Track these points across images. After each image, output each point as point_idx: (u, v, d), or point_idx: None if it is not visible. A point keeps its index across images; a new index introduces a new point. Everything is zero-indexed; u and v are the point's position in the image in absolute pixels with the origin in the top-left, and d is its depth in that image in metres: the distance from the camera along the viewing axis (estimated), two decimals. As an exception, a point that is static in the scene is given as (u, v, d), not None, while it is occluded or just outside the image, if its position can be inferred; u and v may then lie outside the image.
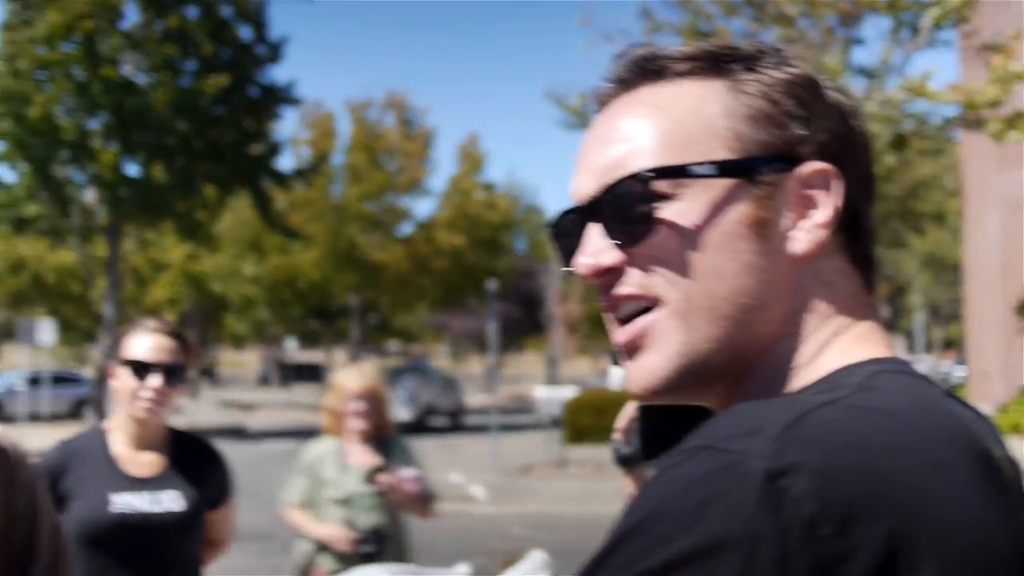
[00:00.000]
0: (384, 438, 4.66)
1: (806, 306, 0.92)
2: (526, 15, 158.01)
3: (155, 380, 3.06)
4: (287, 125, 68.41)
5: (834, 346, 0.91)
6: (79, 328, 46.31)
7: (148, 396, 3.06)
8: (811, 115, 0.93)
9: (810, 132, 0.92)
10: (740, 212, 0.90)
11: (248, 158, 28.90)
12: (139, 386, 3.06)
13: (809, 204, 0.92)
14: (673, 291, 0.91)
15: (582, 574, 0.75)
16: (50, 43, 25.60)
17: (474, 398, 46.23)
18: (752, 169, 0.91)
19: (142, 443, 3.14)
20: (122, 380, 3.10)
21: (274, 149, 30.36)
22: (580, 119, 18.29)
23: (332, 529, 4.44)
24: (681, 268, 0.90)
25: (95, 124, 26.70)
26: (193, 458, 3.21)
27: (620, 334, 0.95)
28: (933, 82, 13.66)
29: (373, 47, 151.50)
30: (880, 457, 0.75)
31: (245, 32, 29.01)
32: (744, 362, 0.92)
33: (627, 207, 0.92)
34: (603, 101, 1.01)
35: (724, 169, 0.91)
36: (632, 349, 0.94)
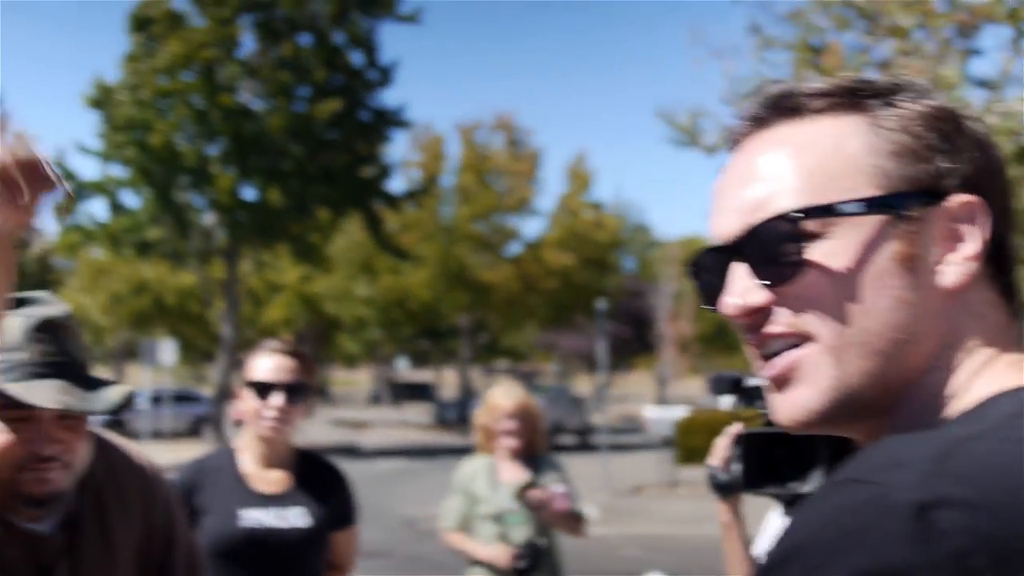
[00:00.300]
0: (535, 456, 4.68)
1: (956, 338, 0.91)
2: (634, 34, 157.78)
3: (277, 399, 3.13)
4: (398, 148, 69.50)
5: (984, 376, 0.90)
6: (198, 348, 47.62)
7: (271, 415, 3.13)
8: (953, 147, 0.92)
9: (954, 165, 0.92)
10: (889, 248, 0.90)
11: (360, 181, 29.42)
12: (262, 406, 3.13)
13: (957, 237, 0.92)
14: (825, 328, 0.91)
15: None
16: (171, 73, 26.49)
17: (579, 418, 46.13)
18: (899, 205, 0.91)
19: (269, 461, 3.22)
20: (247, 401, 3.17)
21: (385, 172, 30.85)
22: (689, 137, 18.14)
23: (493, 550, 4.46)
24: (833, 306, 0.91)
25: (214, 150, 27.53)
26: (319, 478, 3.27)
27: (768, 368, 0.95)
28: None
29: (481, 69, 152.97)
30: None
31: (357, 58, 29.59)
32: (895, 395, 0.92)
33: (775, 247, 0.92)
34: (738, 139, 1.01)
35: (872, 206, 0.91)
36: (782, 382, 0.94)
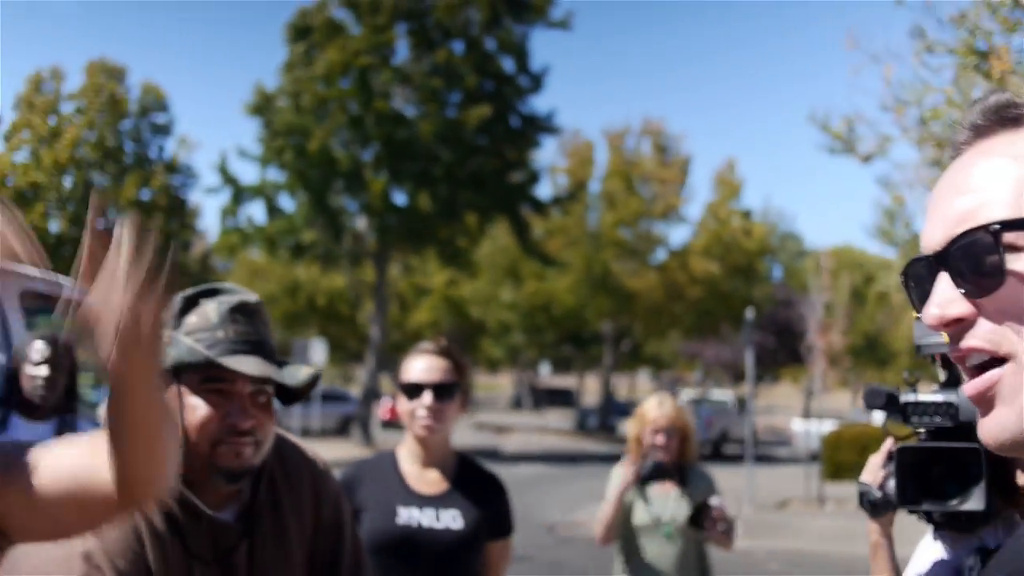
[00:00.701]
0: (686, 467, 4.65)
1: None
2: (788, 37, 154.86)
3: (427, 399, 3.16)
4: (546, 154, 69.92)
5: None
6: (347, 348, 48.76)
7: (423, 415, 3.17)
8: None
9: None
10: None
11: (508, 186, 29.69)
12: (415, 406, 3.18)
13: None
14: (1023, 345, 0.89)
15: None
16: (328, 80, 27.23)
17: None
18: None
19: (427, 462, 3.25)
20: (401, 403, 3.24)
21: (533, 177, 31.06)
22: (844, 144, 17.70)
23: (621, 477, 4.55)
24: None
25: (367, 155, 28.19)
26: (477, 484, 3.28)
27: (969, 385, 0.93)
28: None
29: (631, 75, 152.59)
30: None
31: (507, 64, 29.90)
32: None
33: (976, 258, 0.91)
34: (958, 148, 1.00)
35: None
36: (982, 401, 0.93)
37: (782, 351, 47.13)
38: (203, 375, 1.94)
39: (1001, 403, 0.90)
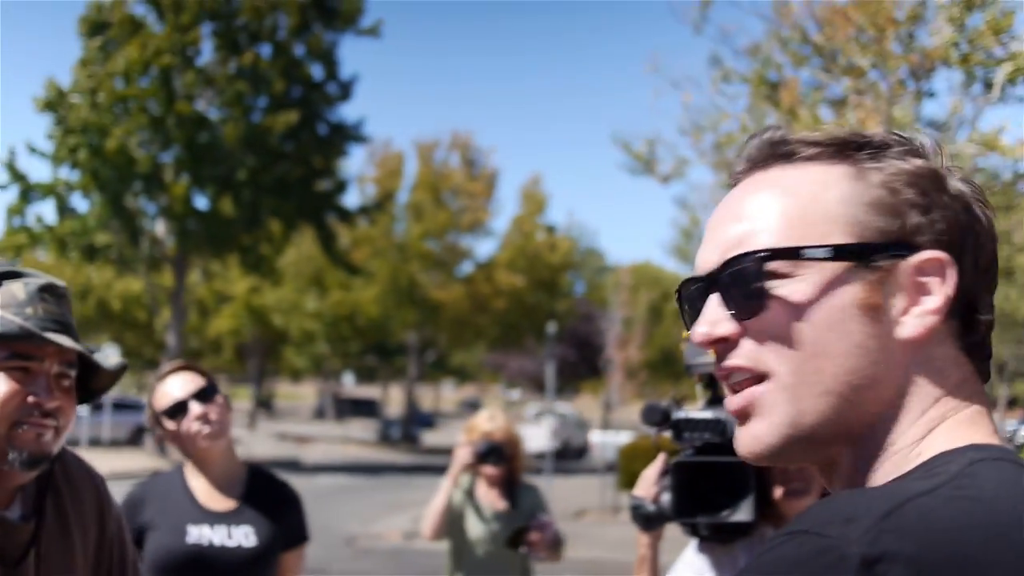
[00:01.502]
0: (515, 482, 4.70)
1: (914, 389, 0.94)
2: (595, 61, 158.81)
3: (196, 408, 3.07)
4: (355, 163, 69.06)
5: (938, 431, 0.93)
6: (142, 356, 46.97)
7: (199, 425, 3.07)
8: (931, 204, 0.96)
9: (928, 221, 0.95)
10: (852, 295, 0.94)
11: (314, 194, 29.31)
12: (187, 423, 3.07)
13: (922, 291, 0.95)
14: (782, 365, 0.95)
15: None
16: (128, 78, 26.24)
17: (528, 442, 46.07)
18: (866, 254, 0.94)
19: (217, 477, 3.17)
20: (171, 430, 3.12)
21: (340, 186, 30.79)
22: (644, 164, 18.32)
23: (456, 456, 4.58)
24: (791, 344, 0.94)
25: (168, 157, 27.29)
26: (270, 497, 3.22)
27: (730, 401, 0.99)
28: (1006, 136, 13.50)
29: (440, 88, 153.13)
30: (974, 547, 0.76)
31: (316, 71, 29.54)
32: (851, 435, 0.95)
33: (744, 282, 0.96)
34: (735, 178, 1.06)
35: (838, 253, 0.94)
36: (741, 416, 0.99)
37: (582, 364, 48.23)
38: (7, 351, 1.86)
39: (757, 416, 0.96)
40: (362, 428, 52.51)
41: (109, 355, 2.05)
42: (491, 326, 42.45)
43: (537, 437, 35.26)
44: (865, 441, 0.95)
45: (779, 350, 0.95)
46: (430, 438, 47.43)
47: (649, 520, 2.41)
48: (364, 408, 63.87)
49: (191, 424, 3.07)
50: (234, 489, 3.18)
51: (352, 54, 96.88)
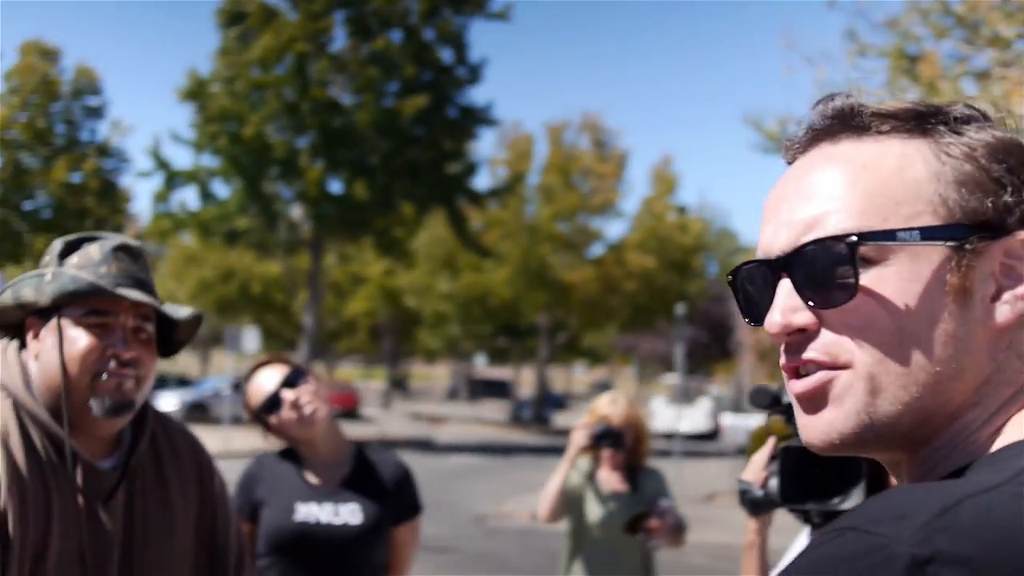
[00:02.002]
0: (637, 467, 4.67)
1: (1000, 378, 0.89)
2: (726, 37, 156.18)
3: (289, 395, 3.11)
4: (485, 146, 69.70)
5: (1015, 420, 0.87)
6: (281, 336, 48.40)
7: (297, 411, 3.11)
8: (1020, 181, 0.89)
9: (1018, 199, 0.89)
10: (943, 280, 0.87)
11: (445, 177, 29.65)
12: (286, 413, 3.12)
13: (1011, 273, 0.89)
14: (865, 355, 0.88)
15: None
16: (263, 66, 26.97)
17: (656, 422, 45.81)
18: (959, 236, 0.88)
19: (324, 458, 3.22)
20: (270, 421, 3.17)
21: (471, 169, 31.04)
22: (777, 144, 17.93)
23: (573, 438, 4.55)
24: (878, 335, 0.88)
25: (303, 143, 27.97)
26: (378, 472, 3.25)
27: (797, 385, 0.92)
28: None
29: (571, 69, 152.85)
30: None
31: (446, 54, 29.84)
32: (930, 427, 0.89)
33: (827, 269, 0.89)
34: (799, 149, 0.98)
35: (930, 235, 0.88)
36: (811, 401, 0.92)
37: (714, 345, 47.72)
38: (85, 308, 1.95)
39: (831, 404, 0.90)
40: (494, 409, 53.04)
41: (180, 308, 2.11)
42: (622, 307, 42.26)
43: (693, 418, 35.15)
44: (946, 432, 0.89)
45: (864, 340, 0.88)
46: (561, 419, 47.59)
47: (756, 505, 2.35)
48: (496, 389, 64.56)
49: (286, 414, 3.12)
50: (341, 467, 3.22)
51: (481, 37, 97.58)
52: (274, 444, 3.30)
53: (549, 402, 46.52)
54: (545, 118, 48.96)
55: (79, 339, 1.94)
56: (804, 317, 0.91)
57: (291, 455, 3.25)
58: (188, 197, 66.62)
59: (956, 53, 15.89)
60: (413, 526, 3.31)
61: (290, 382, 3.13)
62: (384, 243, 30.64)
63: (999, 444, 0.85)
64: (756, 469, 2.38)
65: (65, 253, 2.03)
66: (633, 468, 4.65)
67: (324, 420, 3.16)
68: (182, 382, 39.23)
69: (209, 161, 28.67)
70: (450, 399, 66.08)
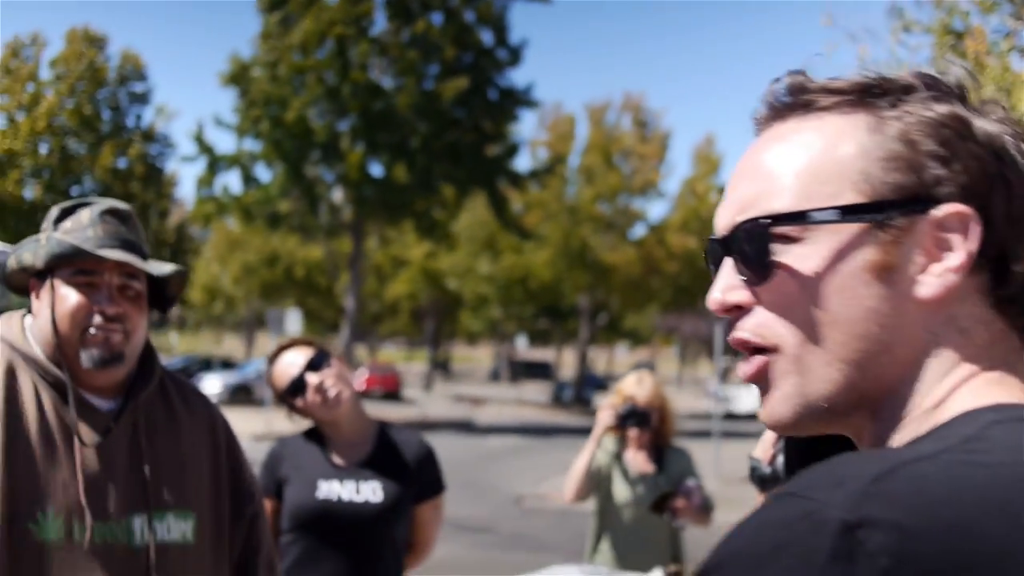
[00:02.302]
0: (664, 447, 4.68)
1: (936, 351, 0.89)
2: (767, 15, 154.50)
3: (314, 378, 3.18)
4: (526, 127, 69.61)
5: (961, 392, 0.88)
6: (323, 319, 48.76)
7: (321, 395, 3.18)
8: (954, 155, 0.89)
9: (949, 173, 0.89)
10: (864, 257, 0.89)
11: (486, 159, 29.66)
12: (311, 397, 3.19)
13: (943, 247, 0.89)
14: (791, 335, 0.91)
15: None
16: (304, 50, 27.10)
17: (700, 403, 45.67)
18: (879, 213, 0.89)
19: (348, 437, 3.29)
20: (295, 403, 3.24)
21: (511, 151, 31.02)
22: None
23: (599, 418, 4.59)
24: (799, 312, 0.90)
25: (344, 126, 28.11)
26: (401, 451, 3.31)
27: (742, 369, 0.96)
28: None
29: (611, 49, 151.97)
30: (968, 514, 0.73)
31: (486, 36, 29.80)
32: (871, 401, 0.91)
33: (753, 248, 0.92)
34: (758, 129, 1.00)
35: (847, 214, 0.89)
36: (756, 384, 0.95)
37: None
38: (74, 268, 2.09)
39: (772, 387, 0.93)
40: (535, 390, 53.11)
41: (164, 265, 2.22)
42: (663, 288, 42.13)
43: (750, 399, 35.01)
44: (885, 408, 0.91)
45: (788, 319, 0.91)
46: (602, 401, 47.55)
47: (764, 482, 2.38)
48: (538, 371, 64.64)
49: (311, 397, 3.19)
50: (364, 446, 3.29)
51: (522, 18, 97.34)
52: (300, 424, 3.38)
53: (590, 383, 46.52)
54: (586, 99, 48.80)
55: (68, 297, 2.08)
56: (739, 295, 0.94)
57: (315, 435, 3.32)
58: (231, 181, 67.15)
59: (1003, 28, 15.63)
60: (436, 504, 3.36)
61: (314, 365, 3.20)
62: (425, 226, 30.74)
63: (947, 416, 0.86)
64: (765, 446, 2.41)
65: (60, 219, 2.17)
66: (660, 448, 4.66)
67: (348, 402, 3.22)
68: (226, 364, 39.68)
69: (251, 145, 28.92)
70: (492, 381, 66.27)
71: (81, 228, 2.13)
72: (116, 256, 2.07)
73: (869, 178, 0.89)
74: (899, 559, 0.70)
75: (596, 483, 4.65)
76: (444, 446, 24.42)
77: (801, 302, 0.90)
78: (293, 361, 3.24)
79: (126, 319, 2.12)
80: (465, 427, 29.37)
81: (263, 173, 29.46)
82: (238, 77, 27.59)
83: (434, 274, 46.87)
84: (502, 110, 30.24)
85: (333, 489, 3.16)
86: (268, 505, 3.19)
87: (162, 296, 2.28)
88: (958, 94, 0.93)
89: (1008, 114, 0.94)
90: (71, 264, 2.09)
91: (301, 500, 3.15)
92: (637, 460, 4.63)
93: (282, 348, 3.31)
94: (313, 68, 27.06)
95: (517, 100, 30.41)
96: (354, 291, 29.40)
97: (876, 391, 0.90)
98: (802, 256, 0.90)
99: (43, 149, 24.47)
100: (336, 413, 3.22)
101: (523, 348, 62.87)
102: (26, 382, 2.05)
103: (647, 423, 4.54)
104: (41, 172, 24.36)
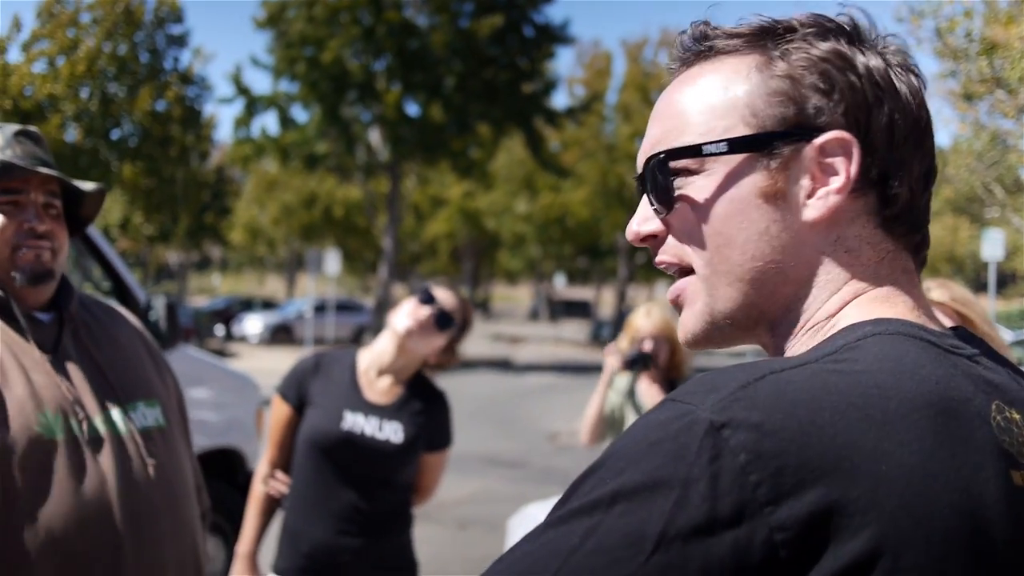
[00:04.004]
0: (676, 379, 4.68)
1: (824, 270, 0.98)
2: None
3: (428, 312, 3.27)
4: (563, 65, 68.92)
5: (847, 309, 0.97)
6: (362, 259, 49.02)
7: (414, 322, 3.27)
8: (833, 87, 0.97)
9: (830, 103, 0.97)
10: (754, 184, 0.98)
11: (522, 98, 29.47)
12: (418, 309, 3.29)
13: (827, 172, 0.97)
14: (697, 258, 1.01)
15: (563, 496, 0.88)
16: (341, -11, 27.00)
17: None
18: (764, 143, 0.97)
19: (386, 372, 3.36)
20: (405, 303, 3.35)
21: (548, 89, 30.80)
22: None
23: (606, 363, 4.63)
24: (701, 237, 1.00)
25: (379, 66, 28.06)
26: (423, 399, 3.39)
27: (669, 292, 1.07)
28: None
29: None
30: (823, 416, 0.82)
31: (521, -27, 29.48)
32: (770, 317, 1.01)
33: (659, 182, 1.02)
34: (671, 76, 1.09)
35: (735, 145, 0.98)
36: (676, 305, 1.07)
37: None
38: None
39: (685, 307, 1.05)
40: (574, 329, 53.24)
41: (85, 184, 2.27)
42: (701, 226, 41.89)
43: None
44: (782, 323, 1.00)
45: (693, 244, 1.01)
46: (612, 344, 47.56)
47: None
48: (577, 309, 64.81)
49: (419, 312, 3.29)
50: (398, 387, 3.36)
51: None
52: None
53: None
54: (623, 35, 48.23)
55: None
56: (651, 226, 1.05)
57: (349, 360, 3.39)
58: (268, 123, 67.30)
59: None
60: (443, 455, 3.48)
61: (446, 317, 3.31)
62: (462, 165, 30.73)
63: (836, 329, 0.96)
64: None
65: None
66: (672, 380, 4.66)
67: (426, 354, 3.36)
68: (267, 305, 40.16)
69: (288, 86, 28.97)
70: (531, 320, 66.51)
71: None
72: (46, 171, 2.11)
73: (756, 112, 0.99)
74: (756, 455, 0.79)
75: (611, 424, 4.69)
76: (482, 384, 24.50)
77: (702, 227, 1.01)
78: (450, 298, 3.38)
79: (53, 237, 2.17)
80: (503, 365, 29.61)
81: (300, 114, 29.62)
82: (274, 18, 27.59)
83: (472, 213, 46.92)
84: (538, 47, 30.00)
85: (357, 422, 3.24)
86: (281, 409, 3.33)
87: (78, 216, 2.33)
88: (846, 32, 1.01)
89: (899, 48, 1.02)
90: None
91: (325, 427, 3.23)
92: (650, 393, 4.64)
93: (454, 290, 3.45)
94: (348, 8, 26.96)
95: (553, 37, 30.15)
96: (392, 231, 29.56)
97: (773, 308, 1.00)
98: (701, 187, 1.00)
99: (83, 93, 24.68)
100: (418, 352, 3.33)
101: (562, 287, 63.07)
102: None
103: (653, 364, 4.54)
104: (82, 116, 24.59)
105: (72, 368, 2.17)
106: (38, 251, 2.14)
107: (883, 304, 0.98)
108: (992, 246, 16.74)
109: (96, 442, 2.10)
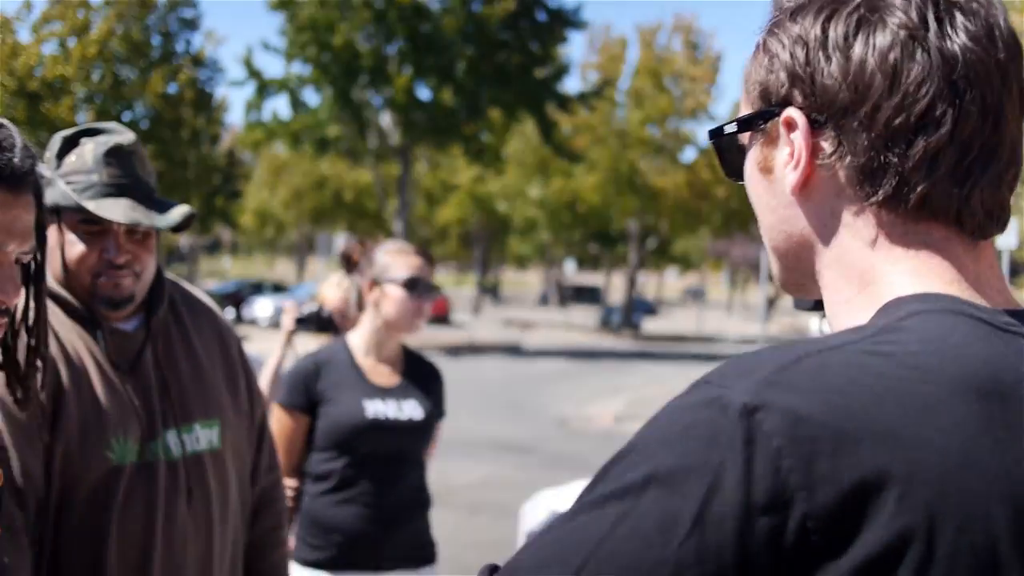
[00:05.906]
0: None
1: (828, 241, 0.97)
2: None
3: (428, 299, 3.34)
4: (576, 50, 68.77)
5: (877, 283, 0.94)
6: (373, 243, 49.03)
7: (420, 316, 3.33)
8: (815, 64, 0.94)
9: (799, 81, 0.95)
10: (755, 159, 1.02)
11: (534, 82, 29.40)
12: (418, 304, 3.32)
13: (797, 145, 0.96)
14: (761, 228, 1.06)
15: (592, 480, 0.86)
16: (352, -28, 26.94)
17: (748, 327, 45.57)
18: (751, 121, 1.01)
19: (382, 356, 3.42)
20: (394, 297, 3.32)
21: (560, 73, 30.72)
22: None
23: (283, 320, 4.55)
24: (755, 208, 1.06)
25: (391, 50, 28.01)
26: (423, 373, 3.47)
27: None
28: None
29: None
30: (859, 400, 0.80)
31: (533, -44, 29.38)
32: (812, 280, 1.00)
33: (729, 155, 1.09)
34: None
35: (740, 124, 1.03)
36: None
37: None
38: (81, 216, 2.09)
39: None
40: (584, 315, 53.25)
41: (170, 213, 2.17)
42: (713, 213, 41.80)
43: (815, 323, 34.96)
44: (824, 290, 0.99)
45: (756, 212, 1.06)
46: (651, 325, 47.57)
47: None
48: (587, 295, 64.77)
49: (424, 307, 3.35)
50: (398, 366, 3.43)
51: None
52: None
53: (639, 308, 46.48)
54: (637, 20, 48.06)
55: (76, 244, 2.11)
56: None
57: (344, 353, 3.41)
58: (280, 106, 67.29)
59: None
60: (439, 425, 3.55)
61: (432, 288, 3.39)
62: (473, 149, 30.70)
63: (872, 304, 0.92)
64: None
65: (63, 151, 2.15)
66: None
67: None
68: (277, 288, 40.24)
69: (299, 69, 28.95)
70: (541, 305, 66.53)
71: (85, 171, 2.10)
72: (119, 218, 2.06)
73: (750, 92, 1.02)
74: (791, 439, 0.78)
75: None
76: (492, 369, 24.53)
77: (752, 199, 1.05)
78: (423, 266, 3.37)
79: (134, 263, 2.14)
80: (513, 351, 29.63)
81: (311, 98, 29.54)
82: (286, 1, 27.54)
83: (483, 198, 46.85)
84: (550, 32, 29.92)
85: (379, 408, 3.28)
86: (294, 421, 3.32)
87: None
88: (827, 11, 0.95)
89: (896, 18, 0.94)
90: (80, 211, 2.08)
91: (349, 420, 3.25)
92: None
93: (416, 252, 3.44)
94: (360, -9, 26.92)
95: (566, 22, 30.06)
96: (403, 215, 29.55)
97: (806, 274, 1.01)
98: (748, 160, 1.05)
99: (95, 75, 24.70)
100: (405, 332, 3.39)
101: (572, 273, 62.99)
102: (57, 315, 2.08)
103: (329, 327, 4.39)
104: (93, 98, 24.62)
105: (147, 384, 2.16)
106: (117, 280, 2.13)
107: (926, 277, 0.92)
108: (1005, 234, 16.70)
109: (151, 469, 2.11)
